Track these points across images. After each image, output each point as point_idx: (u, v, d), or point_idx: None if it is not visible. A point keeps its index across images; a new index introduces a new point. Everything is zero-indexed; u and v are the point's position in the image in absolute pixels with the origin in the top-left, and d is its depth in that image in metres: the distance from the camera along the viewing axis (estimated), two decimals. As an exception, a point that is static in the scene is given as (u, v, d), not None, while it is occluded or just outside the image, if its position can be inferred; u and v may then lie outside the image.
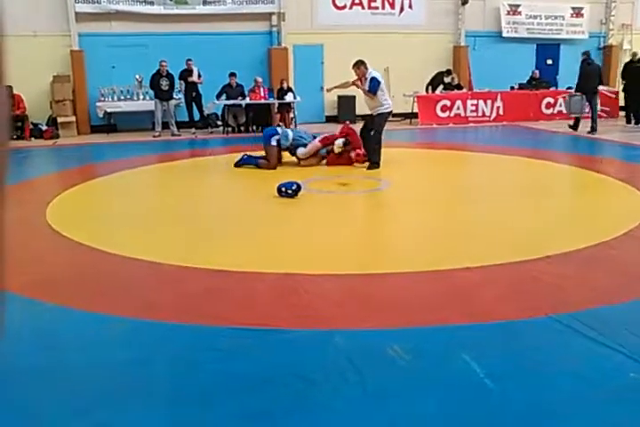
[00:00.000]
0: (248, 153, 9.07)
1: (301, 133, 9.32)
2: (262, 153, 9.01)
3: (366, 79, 8.89)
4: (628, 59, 15.11)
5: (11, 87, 11.80)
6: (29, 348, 3.20)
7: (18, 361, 2.91)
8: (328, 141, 9.12)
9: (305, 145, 9.01)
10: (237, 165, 8.94)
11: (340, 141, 9.01)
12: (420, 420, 2.58)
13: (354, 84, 9.15)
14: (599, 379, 2.89)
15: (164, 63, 12.76)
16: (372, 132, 8.99)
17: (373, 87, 8.81)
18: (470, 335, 3.35)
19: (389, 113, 9.07)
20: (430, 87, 14.81)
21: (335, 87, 9.63)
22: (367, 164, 8.86)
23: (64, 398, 2.78)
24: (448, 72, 15.00)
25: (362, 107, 14.66)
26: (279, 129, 9.35)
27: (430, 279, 4.27)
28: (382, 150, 8.90)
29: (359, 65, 8.95)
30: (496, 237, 5.36)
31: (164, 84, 12.84)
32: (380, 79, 8.98)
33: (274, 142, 8.84)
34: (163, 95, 12.87)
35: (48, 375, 2.96)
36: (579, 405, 2.70)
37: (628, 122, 13.80)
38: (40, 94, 12.99)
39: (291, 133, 9.11)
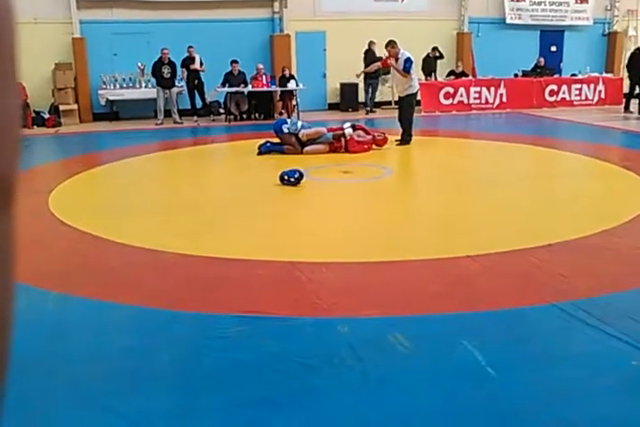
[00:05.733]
0: (270, 140, 9.12)
1: (308, 124, 9.44)
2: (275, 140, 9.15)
3: (399, 59, 9.35)
4: (632, 45, 15.01)
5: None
6: (36, 336, 3.21)
7: (25, 349, 2.92)
8: (334, 129, 9.21)
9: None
10: (261, 153, 8.96)
11: (349, 130, 9.04)
12: (421, 408, 2.59)
13: (384, 63, 9.52)
14: (601, 367, 2.90)
15: (165, 51, 12.70)
16: (403, 113, 9.62)
17: (408, 67, 9.31)
18: (472, 323, 3.36)
19: (416, 93, 9.80)
20: (433, 74, 14.72)
21: (364, 71, 9.93)
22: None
23: (71, 385, 2.80)
24: (433, 49, 14.73)
25: (364, 95, 14.69)
26: (287, 119, 9.48)
27: (432, 267, 4.27)
28: (387, 137, 9.33)
29: (393, 44, 9.45)
30: (498, 224, 5.35)
31: (166, 71, 12.80)
32: (412, 59, 9.44)
33: (286, 130, 8.97)
34: (165, 83, 12.82)
35: (55, 363, 2.98)
36: (581, 393, 2.71)
37: (626, 108, 13.69)
38: (42, 82, 12.93)
39: (299, 122, 9.33)
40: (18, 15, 0.55)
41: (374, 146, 9.25)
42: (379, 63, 9.78)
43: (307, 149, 8.97)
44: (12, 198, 0.56)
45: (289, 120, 9.47)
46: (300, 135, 8.97)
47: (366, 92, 14.34)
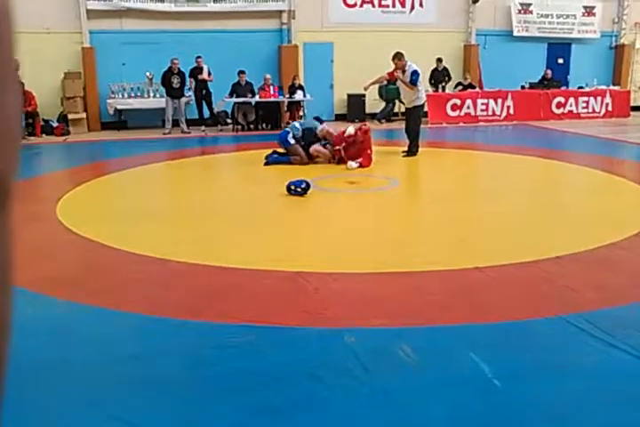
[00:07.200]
0: (276, 150, 9.16)
1: (308, 122, 9.50)
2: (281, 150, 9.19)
3: (405, 71, 9.39)
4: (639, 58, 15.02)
5: (22, 84, 11.88)
6: (41, 343, 3.22)
7: (30, 356, 2.92)
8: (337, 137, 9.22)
9: (315, 128, 9.16)
10: (268, 163, 8.98)
11: (351, 129, 9.04)
12: (427, 419, 2.58)
13: (391, 76, 9.55)
14: (608, 380, 2.87)
15: (175, 61, 12.80)
16: (410, 124, 9.62)
17: (415, 80, 9.37)
18: (479, 335, 3.34)
19: (423, 105, 9.86)
20: (441, 86, 14.76)
21: (371, 84, 9.99)
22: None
23: (76, 392, 2.79)
24: (439, 60, 14.81)
25: (371, 106, 14.75)
26: (287, 128, 9.48)
27: (440, 279, 4.25)
28: (393, 148, 9.45)
29: (400, 57, 9.47)
30: (506, 236, 5.34)
31: (176, 81, 12.88)
32: (419, 71, 9.46)
33: (292, 141, 8.99)
34: (174, 93, 12.91)
35: (60, 370, 2.98)
36: (588, 407, 2.69)
37: None
38: (51, 91, 13.05)
39: (297, 123, 9.40)
40: (17, 18, 0.55)
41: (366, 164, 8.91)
42: (386, 75, 9.82)
43: (314, 146, 8.98)
44: (8, 199, 0.55)
45: (288, 128, 9.41)
46: (310, 151, 8.97)
47: (387, 102, 14.43)
